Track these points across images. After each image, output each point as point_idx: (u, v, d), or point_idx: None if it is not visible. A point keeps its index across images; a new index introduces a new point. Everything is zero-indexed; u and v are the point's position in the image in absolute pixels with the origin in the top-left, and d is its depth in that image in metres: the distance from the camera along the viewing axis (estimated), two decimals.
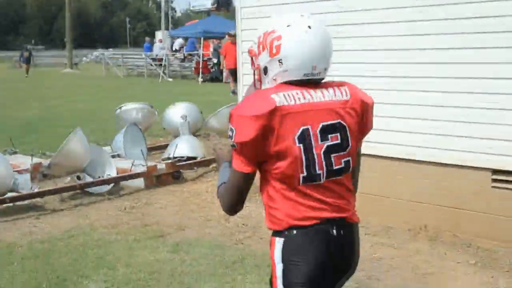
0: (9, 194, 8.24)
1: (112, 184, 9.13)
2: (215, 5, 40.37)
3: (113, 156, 9.86)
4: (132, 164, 9.42)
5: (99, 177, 9.16)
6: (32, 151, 10.49)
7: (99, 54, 51.31)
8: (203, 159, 10.35)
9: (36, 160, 9.80)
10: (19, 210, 8.18)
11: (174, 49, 37.67)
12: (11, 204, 8.20)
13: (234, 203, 2.89)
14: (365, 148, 6.61)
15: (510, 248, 6.27)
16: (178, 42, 38.31)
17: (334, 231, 2.82)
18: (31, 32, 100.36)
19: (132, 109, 11.83)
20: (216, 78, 29.28)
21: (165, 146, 11.25)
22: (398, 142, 7.07)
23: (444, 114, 6.68)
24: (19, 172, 8.93)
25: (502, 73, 6.25)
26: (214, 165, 9.96)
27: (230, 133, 2.76)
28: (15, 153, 10.12)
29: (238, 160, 2.78)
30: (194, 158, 10.33)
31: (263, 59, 2.87)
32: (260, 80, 2.95)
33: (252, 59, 2.98)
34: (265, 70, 2.88)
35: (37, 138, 12.54)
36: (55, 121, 15.82)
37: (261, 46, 2.88)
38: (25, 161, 9.69)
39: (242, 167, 2.78)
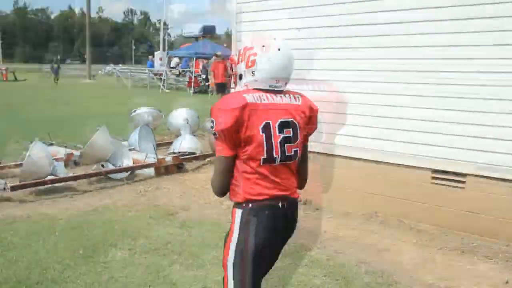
0: (49, 177, 8.15)
1: (129, 172, 9.05)
2: (202, 33, 40.53)
3: (129, 150, 9.75)
4: (146, 157, 9.36)
5: (119, 166, 9.09)
6: (65, 143, 10.33)
7: (111, 68, 51.07)
8: (201, 154, 10.32)
9: (68, 150, 9.67)
10: (56, 191, 8.07)
11: (171, 66, 37.49)
12: (51, 185, 8.10)
13: (222, 184, 2.94)
14: (336, 150, 6.61)
15: (444, 230, 6.35)
16: (175, 60, 38.19)
17: (280, 205, 2.92)
18: (57, 49, 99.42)
19: (144, 112, 11.75)
20: (204, 90, 29.14)
21: (170, 143, 11.18)
22: (361, 146, 7.07)
23: (396, 125, 6.71)
24: (56, 160, 8.81)
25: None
26: (209, 158, 9.99)
27: (211, 124, 2.84)
28: (51, 144, 9.94)
29: (220, 147, 2.85)
30: (194, 153, 10.31)
31: (240, 68, 2.99)
32: (235, 84, 3.07)
33: (231, 66, 3.12)
34: (240, 76, 2.99)
35: (67, 133, 12.36)
36: (80, 120, 15.63)
37: (240, 58, 2.98)
38: (60, 151, 9.57)
39: (223, 152, 2.85)
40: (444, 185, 6.38)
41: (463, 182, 6.24)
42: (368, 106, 6.92)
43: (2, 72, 40.86)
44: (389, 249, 5.95)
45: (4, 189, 7.54)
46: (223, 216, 6.72)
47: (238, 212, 2.92)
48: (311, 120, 3.06)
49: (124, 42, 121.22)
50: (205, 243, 5.90)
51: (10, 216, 6.83)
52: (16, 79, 40.18)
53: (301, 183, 3.20)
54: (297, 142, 2.95)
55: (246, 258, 2.90)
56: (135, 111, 11.75)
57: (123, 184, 8.62)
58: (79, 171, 8.99)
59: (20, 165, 8.84)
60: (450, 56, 6.16)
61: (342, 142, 7.23)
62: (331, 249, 5.86)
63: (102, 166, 9.08)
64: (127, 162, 9.20)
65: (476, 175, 6.13)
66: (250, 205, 2.89)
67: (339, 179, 7.32)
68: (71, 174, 8.50)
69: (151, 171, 9.18)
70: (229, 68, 3.26)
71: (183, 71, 34.90)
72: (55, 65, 39.95)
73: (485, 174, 6.05)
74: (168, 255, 5.58)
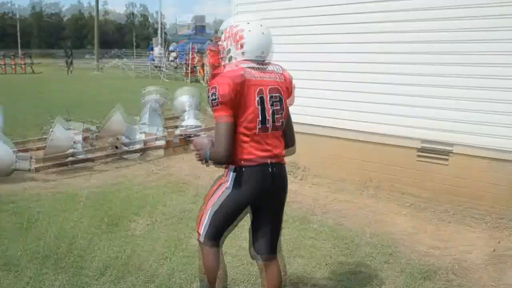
0: (70, 159, 7.71)
1: (141, 153, 8.61)
2: (194, 31, 40.17)
3: (141, 124, 9.26)
4: (156, 139, 8.89)
5: (133, 139, 8.69)
6: (82, 119, 9.75)
7: (116, 62, 50.19)
8: (207, 127, 9.37)
9: (86, 125, 9.17)
10: (75, 169, 7.63)
11: (170, 59, 36.84)
12: (71, 166, 7.68)
13: (226, 148, 2.77)
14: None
15: (433, 202, 6.04)
16: (173, 54, 37.56)
17: (270, 169, 2.88)
18: (69, 46, 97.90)
19: (153, 90, 11.20)
20: (198, 80, 28.62)
21: (177, 117, 10.67)
22: (363, 119, 6.73)
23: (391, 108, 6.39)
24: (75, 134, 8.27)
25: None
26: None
27: (212, 95, 2.75)
28: (69, 120, 9.40)
29: (221, 114, 2.75)
30: (199, 126, 9.60)
31: (228, 44, 2.93)
32: (222, 58, 2.98)
33: (217, 43, 3.02)
34: (229, 51, 2.93)
35: (81, 112, 11.91)
36: (93, 103, 15.10)
37: (227, 35, 2.94)
38: (77, 126, 8.98)
39: (224, 118, 2.75)
40: (429, 162, 6.08)
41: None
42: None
43: (21, 66, 40.50)
44: (383, 219, 5.62)
45: (29, 169, 7.11)
46: None
47: (232, 174, 2.88)
48: (291, 92, 3.05)
49: (127, 40, 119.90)
50: None
51: (35, 193, 6.39)
52: (33, 72, 39.81)
53: (290, 148, 3.16)
54: (283, 114, 2.94)
55: (228, 211, 2.95)
56: (145, 88, 11.21)
57: (136, 164, 8.17)
58: (96, 152, 8.55)
59: (41, 142, 8.42)
60: None
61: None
62: (330, 221, 5.51)
63: (116, 147, 8.64)
64: (140, 136, 8.78)
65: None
66: (243, 168, 2.85)
67: (339, 148, 7.03)
68: (89, 155, 8.05)
69: (161, 152, 8.73)
70: (212, 44, 3.13)
71: (181, 63, 34.31)
72: (69, 59, 39.69)
73: None
74: (185, 222, 5.25)
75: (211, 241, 3.03)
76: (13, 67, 39.77)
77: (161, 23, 48.32)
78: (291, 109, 3.11)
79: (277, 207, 3.09)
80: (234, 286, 3.92)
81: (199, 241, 3.09)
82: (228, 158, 2.80)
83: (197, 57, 30.44)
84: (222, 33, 2.98)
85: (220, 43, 3.00)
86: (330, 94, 6.97)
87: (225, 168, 2.95)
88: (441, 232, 5.29)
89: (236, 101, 2.75)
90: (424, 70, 6.02)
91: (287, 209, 5.70)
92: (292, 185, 6.52)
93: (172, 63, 36.07)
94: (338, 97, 6.87)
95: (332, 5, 6.84)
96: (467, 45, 5.67)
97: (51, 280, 3.98)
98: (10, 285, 3.91)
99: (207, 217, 3.00)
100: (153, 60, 37.67)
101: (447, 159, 5.94)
